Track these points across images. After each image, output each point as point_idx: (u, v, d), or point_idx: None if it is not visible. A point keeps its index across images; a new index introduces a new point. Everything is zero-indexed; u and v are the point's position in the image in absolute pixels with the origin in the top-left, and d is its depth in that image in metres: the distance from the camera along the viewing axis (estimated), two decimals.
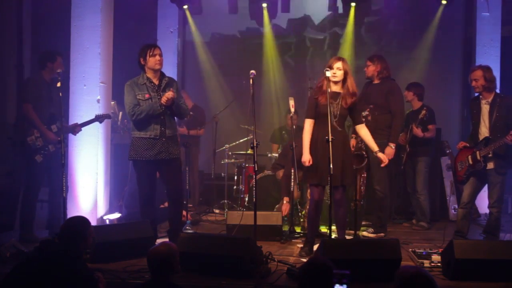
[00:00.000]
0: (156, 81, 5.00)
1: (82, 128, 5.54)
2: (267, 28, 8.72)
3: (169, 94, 4.85)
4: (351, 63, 8.35)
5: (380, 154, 4.96)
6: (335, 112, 4.71)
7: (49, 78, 5.43)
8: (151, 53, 4.91)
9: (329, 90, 4.59)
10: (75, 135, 5.56)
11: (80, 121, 5.57)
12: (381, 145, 5.62)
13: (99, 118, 5.55)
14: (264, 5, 8.51)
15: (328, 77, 4.62)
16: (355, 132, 5.60)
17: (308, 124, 4.82)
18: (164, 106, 4.89)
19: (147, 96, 4.91)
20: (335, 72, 4.70)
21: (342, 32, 8.55)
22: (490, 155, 5.10)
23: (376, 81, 5.80)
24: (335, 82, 4.74)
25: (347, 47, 8.52)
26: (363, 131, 4.98)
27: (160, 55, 4.96)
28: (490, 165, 5.13)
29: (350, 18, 8.45)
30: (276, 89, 8.79)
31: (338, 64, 4.71)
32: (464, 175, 5.30)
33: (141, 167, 4.97)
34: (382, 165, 5.04)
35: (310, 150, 4.75)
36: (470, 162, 5.21)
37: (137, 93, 4.91)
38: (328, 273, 2.59)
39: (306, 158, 4.73)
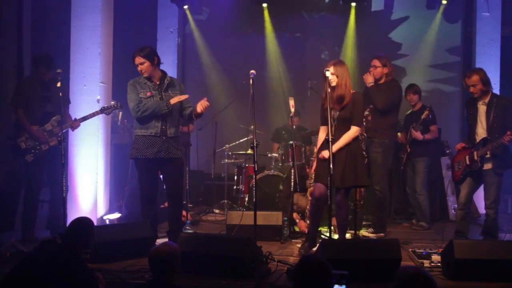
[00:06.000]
0: (156, 81, 5.02)
1: (83, 128, 5.51)
2: (268, 28, 8.73)
3: (205, 103, 4.86)
4: (353, 64, 8.41)
5: (323, 152, 4.65)
6: (333, 116, 4.69)
7: (48, 77, 5.39)
8: (136, 65, 4.96)
9: (329, 91, 4.61)
10: (73, 130, 5.49)
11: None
12: (381, 145, 5.64)
13: (104, 110, 5.46)
14: (264, 5, 8.53)
15: (327, 78, 4.61)
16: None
17: (321, 130, 4.95)
18: (171, 107, 4.89)
19: (148, 94, 4.94)
20: (330, 77, 4.67)
21: (343, 32, 8.54)
22: (488, 156, 5.09)
23: (380, 82, 5.74)
24: (334, 87, 4.70)
25: (348, 48, 8.53)
26: (346, 132, 4.75)
27: (141, 63, 4.90)
28: (488, 166, 5.13)
29: (350, 19, 8.46)
30: (276, 89, 8.79)
31: (330, 69, 4.67)
32: (461, 175, 5.30)
33: (142, 166, 4.98)
34: (322, 156, 4.72)
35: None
36: (467, 162, 5.20)
37: (139, 91, 4.94)
38: (319, 269, 2.58)
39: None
